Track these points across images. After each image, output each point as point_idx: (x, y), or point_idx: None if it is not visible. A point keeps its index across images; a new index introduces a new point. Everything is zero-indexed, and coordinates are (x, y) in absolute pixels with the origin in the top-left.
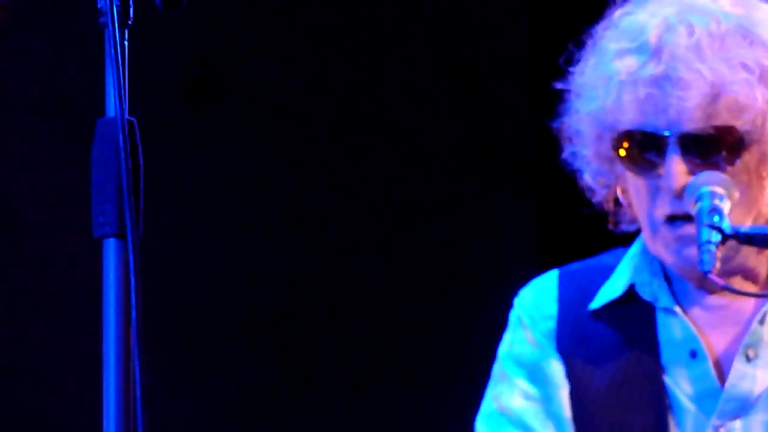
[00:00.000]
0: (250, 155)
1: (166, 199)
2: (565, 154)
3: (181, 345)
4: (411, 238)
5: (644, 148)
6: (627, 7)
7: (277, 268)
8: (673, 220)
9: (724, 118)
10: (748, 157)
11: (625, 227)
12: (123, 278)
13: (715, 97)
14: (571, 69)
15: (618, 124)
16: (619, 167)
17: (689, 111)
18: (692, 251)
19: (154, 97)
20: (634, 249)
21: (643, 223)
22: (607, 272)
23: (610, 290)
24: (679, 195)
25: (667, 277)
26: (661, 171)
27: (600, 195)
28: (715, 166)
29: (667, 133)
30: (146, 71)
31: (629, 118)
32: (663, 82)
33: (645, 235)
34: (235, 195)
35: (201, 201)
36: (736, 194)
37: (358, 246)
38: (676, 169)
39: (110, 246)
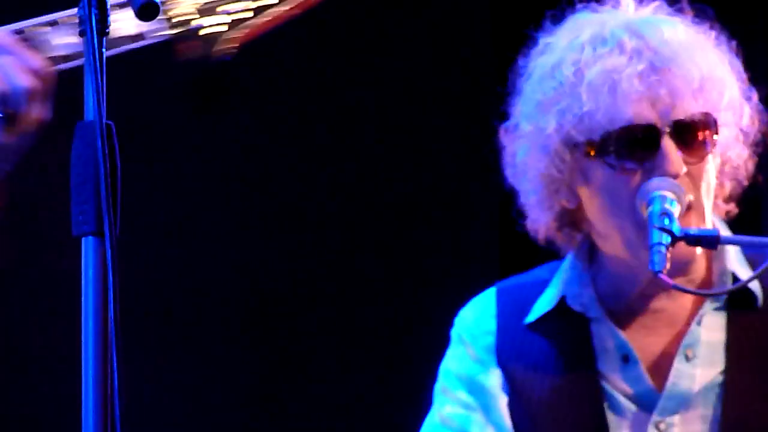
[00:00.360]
0: (250, 155)
1: (166, 199)
2: (511, 182)
3: (180, 344)
4: (411, 237)
5: (637, 142)
6: (560, 33)
7: (277, 267)
8: None
9: (709, 105)
10: (721, 143)
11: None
12: (101, 275)
13: (701, 85)
14: (517, 94)
15: (610, 124)
16: (580, 180)
17: (681, 99)
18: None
19: (155, 98)
20: (566, 263)
21: (617, 229)
22: (542, 286)
23: (544, 304)
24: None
25: (598, 288)
26: (652, 163)
27: (545, 220)
28: (701, 151)
29: (661, 123)
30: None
31: (622, 114)
32: (653, 74)
33: (619, 241)
34: (235, 195)
35: (201, 201)
36: (688, 197)
37: (358, 245)
38: (674, 155)
39: (89, 244)
